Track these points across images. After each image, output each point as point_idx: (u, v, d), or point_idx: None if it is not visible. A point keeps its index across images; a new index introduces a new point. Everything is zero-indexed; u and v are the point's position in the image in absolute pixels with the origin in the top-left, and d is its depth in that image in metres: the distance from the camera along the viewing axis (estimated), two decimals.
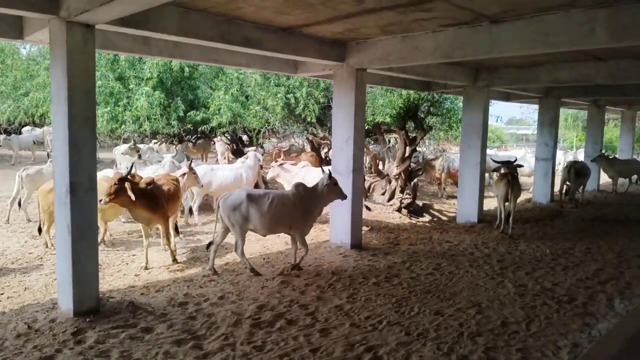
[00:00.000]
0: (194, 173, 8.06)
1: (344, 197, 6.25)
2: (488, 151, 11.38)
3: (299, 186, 6.24)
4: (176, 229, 7.42)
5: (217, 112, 11.08)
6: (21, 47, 17.83)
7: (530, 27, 5.29)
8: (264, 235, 6.40)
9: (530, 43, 5.38)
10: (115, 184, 5.82)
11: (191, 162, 8.58)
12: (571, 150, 24.60)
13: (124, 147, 12.27)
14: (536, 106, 14.40)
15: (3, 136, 18.47)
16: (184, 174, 7.87)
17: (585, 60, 7.91)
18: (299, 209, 5.95)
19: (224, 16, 5.47)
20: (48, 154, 20.05)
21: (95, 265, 4.63)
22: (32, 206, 9.88)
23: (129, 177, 5.97)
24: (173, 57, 6.69)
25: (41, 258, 6.91)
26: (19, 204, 9.24)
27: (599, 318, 4.83)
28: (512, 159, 9.05)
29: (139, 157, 11.04)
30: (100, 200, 5.34)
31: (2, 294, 5.51)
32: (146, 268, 6.38)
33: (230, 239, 6.70)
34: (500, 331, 4.41)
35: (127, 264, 6.64)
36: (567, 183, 11.74)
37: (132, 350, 3.91)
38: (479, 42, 5.75)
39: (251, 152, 10.32)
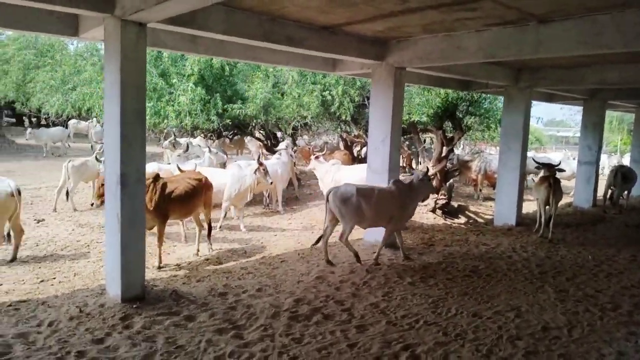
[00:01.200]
0: (264, 169, 8.14)
1: (435, 191, 6.73)
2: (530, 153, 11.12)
3: (397, 182, 6.58)
4: (209, 231, 7.08)
5: (252, 100, 11.25)
6: (69, 43, 18.65)
7: (579, 27, 5.14)
8: (365, 228, 6.74)
9: (580, 44, 5.23)
10: (103, 184, 5.56)
11: (259, 157, 8.76)
12: (615, 153, 23.66)
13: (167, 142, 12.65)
14: (578, 107, 13.94)
15: (29, 129, 19.28)
16: (256, 169, 7.99)
17: (634, 61, 7.62)
18: (397, 203, 6.29)
19: (268, 15, 5.57)
20: (92, 146, 20.95)
21: (142, 254, 4.83)
22: (77, 196, 10.35)
23: None
24: (217, 55, 6.85)
25: (88, 246, 7.25)
26: (67, 194, 9.69)
27: None
28: (556, 163, 8.82)
29: (186, 150, 11.31)
30: (92, 204, 5.49)
31: (54, 278, 5.82)
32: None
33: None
34: (540, 336, 4.34)
35: (169, 254, 6.87)
36: (612, 187, 11.33)
37: (177, 337, 4.07)
38: (524, 42, 5.63)
39: (284, 150, 10.46)
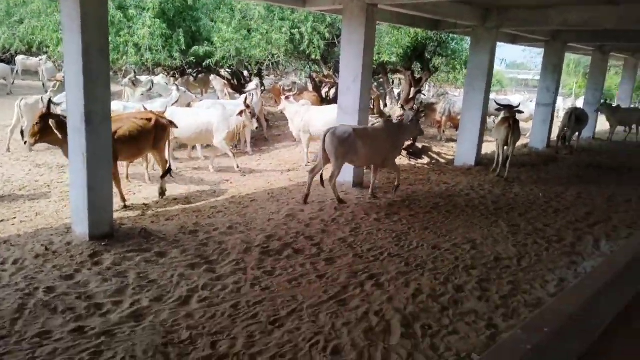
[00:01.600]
0: (252, 111, 7.87)
1: (422, 132, 7.30)
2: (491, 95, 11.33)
3: (388, 122, 6.99)
4: (167, 171, 6.63)
5: (222, 44, 10.81)
6: None
7: None
8: (358, 167, 7.08)
9: None
10: (37, 122, 5.39)
11: (246, 98, 8.44)
12: (570, 96, 24.47)
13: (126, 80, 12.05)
14: (539, 50, 14.18)
15: None
16: (242, 111, 7.75)
17: (597, 3, 7.74)
18: (389, 142, 6.63)
19: None
20: (43, 84, 19.69)
21: (110, 191, 4.80)
22: None
23: (51, 112, 5.47)
24: None
25: (48, 186, 7.06)
26: (21, 133, 9.23)
27: (585, 257, 5.14)
28: (516, 104, 9.08)
29: (150, 89, 10.81)
30: (25, 142, 5.22)
31: (14, 218, 5.68)
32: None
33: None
34: (493, 265, 4.71)
35: (134, 194, 6.81)
36: (566, 129, 11.84)
37: (149, 272, 4.16)
38: None
39: (254, 90, 10.23)
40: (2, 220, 5.54)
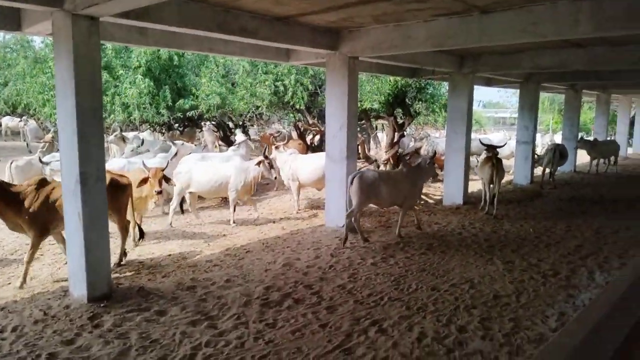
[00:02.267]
0: (269, 162, 7.97)
1: (436, 174, 7.93)
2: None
3: (406, 165, 7.76)
4: (123, 238, 6.13)
5: (205, 97, 11.11)
6: None
7: (519, 17, 5.53)
8: (382, 208, 7.79)
9: (519, 33, 5.63)
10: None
11: (265, 149, 8.56)
12: (548, 132, 25.33)
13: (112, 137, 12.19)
14: (514, 90, 14.83)
15: None
16: (260, 162, 7.83)
17: (565, 47, 8.27)
18: (409, 184, 7.11)
19: (222, 7, 5.57)
20: (27, 144, 19.72)
21: (107, 252, 4.78)
22: None
23: None
24: (169, 47, 6.75)
25: (40, 249, 6.95)
26: None
27: (581, 290, 5.23)
28: (501, 144, 9.47)
29: (140, 144, 10.87)
30: None
31: (9, 283, 5.58)
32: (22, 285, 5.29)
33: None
34: (493, 303, 4.76)
35: (129, 252, 6.74)
36: (550, 164, 12.22)
37: (150, 331, 4.10)
38: (469, 31, 5.97)
39: (243, 142, 10.44)
40: None
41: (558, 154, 11.89)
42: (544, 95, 29.82)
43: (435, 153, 8.08)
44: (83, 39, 4.39)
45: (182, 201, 8.68)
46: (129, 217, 6.83)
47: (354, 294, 4.95)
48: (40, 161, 9.46)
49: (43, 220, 5.28)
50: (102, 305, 4.58)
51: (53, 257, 6.52)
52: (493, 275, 5.58)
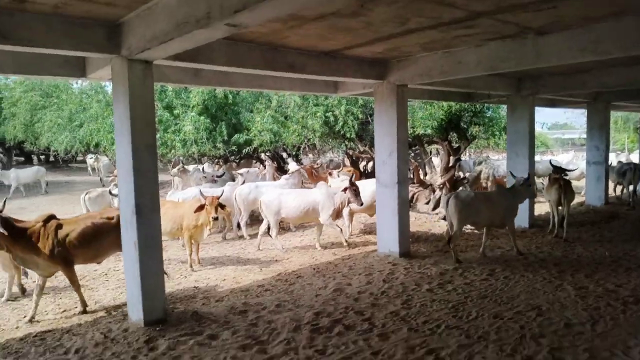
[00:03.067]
0: (356, 189, 8.04)
1: (534, 194, 7.90)
2: (536, 157, 11.18)
3: (500, 187, 8.01)
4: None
5: (258, 133, 11.46)
6: (74, 82, 19.12)
7: (578, 36, 5.22)
8: (480, 228, 7.69)
9: (579, 52, 5.30)
10: None
11: (352, 176, 8.79)
12: (623, 152, 23.58)
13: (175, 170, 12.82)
14: (582, 110, 13.99)
15: None
16: (346, 188, 8.00)
17: (632, 64, 7.67)
18: (504, 205, 7.18)
19: (270, 45, 5.71)
20: (101, 179, 21.24)
21: (161, 278, 4.92)
22: None
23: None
24: (222, 85, 7.02)
25: (106, 274, 7.31)
26: None
27: None
28: (572, 168, 8.98)
29: (220, 176, 11.21)
30: None
31: (76, 307, 5.87)
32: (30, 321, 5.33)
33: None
34: (564, 332, 4.32)
35: (185, 277, 6.91)
36: (625, 184, 11.36)
37: (202, 355, 4.10)
38: (523, 54, 5.70)
39: (296, 172, 10.58)
40: (64, 310, 5.73)
41: (639, 173, 11.01)
42: (617, 114, 27.98)
43: (529, 176, 7.84)
44: (138, 82, 4.65)
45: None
46: (186, 244, 7.16)
47: (407, 321, 4.70)
48: (110, 193, 10.12)
49: (63, 253, 5.39)
50: (157, 329, 4.67)
51: (117, 282, 6.80)
52: (564, 302, 5.10)
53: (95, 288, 6.61)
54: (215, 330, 4.62)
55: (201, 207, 6.87)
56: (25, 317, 5.44)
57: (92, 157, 22.10)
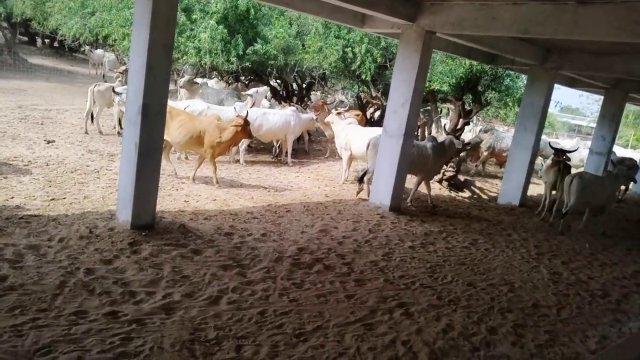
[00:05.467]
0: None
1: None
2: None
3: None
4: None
5: (273, 40, 11.06)
6: None
7: (618, 12, 5.01)
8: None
9: (616, 30, 5.11)
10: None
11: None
12: (626, 148, 23.47)
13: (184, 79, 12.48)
14: (596, 97, 13.70)
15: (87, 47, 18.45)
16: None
17: None
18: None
19: None
20: (104, 74, 20.76)
21: (156, 184, 4.93)
22: (102, 120, 10.60)
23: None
24: None
25: (98, 172, 7.34)
26: (92, 117, 9.85)
27: (631, 317, 4.83)
28: (574, 149, 8.88)
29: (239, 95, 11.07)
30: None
31: (64, 198, 5.94)
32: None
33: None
34: (530, 311, 4.50)
35: (177, 190, 6.98)
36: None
37: (183, 267, 4.23)
38: (561, 21, 5.49)
39: (311, 113, 10.48)
40: (52, 199, 5.80)
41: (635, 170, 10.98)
42: (629, 108, 27.50)
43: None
44: None
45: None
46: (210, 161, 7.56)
47: (385, 273, 4.85)
48: (113, 91, 9.94)
49: None
50: (143, 234, 4.76)
51: (108, 181, 6.85)
52: (536, 284, 5.27)
53: (86, 183, 6.66)
54: (200, 246, 4.73)
55: (244, 125, 7.30)
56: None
57: (90, 50, 21.50)
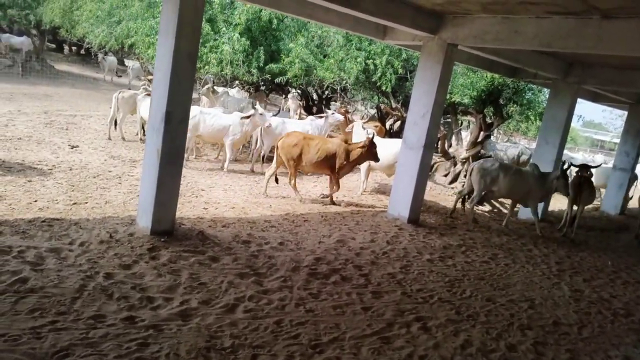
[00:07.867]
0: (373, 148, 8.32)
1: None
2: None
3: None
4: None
5: (292, 63, 11.16)
6: None
7: None
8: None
9: None
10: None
11: (373, 135, 9.05)
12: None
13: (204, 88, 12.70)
14: (620, 112, 13.43)
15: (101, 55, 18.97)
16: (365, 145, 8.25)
17: None
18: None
19: None
20: (129, 82, 21.22)
21: (176, 191, 4.99)
22: (126, 126, 10.82)
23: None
24: (271, 6, 6.71)
25: (120, 177, 7.48)
26: (115, 123, 10.07)
27: None
28: (597, 164, 8.71)
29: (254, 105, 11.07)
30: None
31: (86, 202, 6.06)
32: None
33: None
34: (551, 329, 4.39)
35: (196, 197, 7.05)
36: None
37: (200, 274, 4.25)
38: (585, 35, 5.41)
39: (331, 116, 10.47)
40: (75, 203, 5.93)
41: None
42: None
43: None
44: None
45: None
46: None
47: (403, 286, 4.80)
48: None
49: None
50: (162, 240, 4.81)
51: (129, 187, 6.96)
52: (557, 301, 5.15)
53: (108, 188, 6.78)
54: (218, 254, 4.76)
55: (370, 146, 7.71)
56: None
57: (100, 56, 21.93)
